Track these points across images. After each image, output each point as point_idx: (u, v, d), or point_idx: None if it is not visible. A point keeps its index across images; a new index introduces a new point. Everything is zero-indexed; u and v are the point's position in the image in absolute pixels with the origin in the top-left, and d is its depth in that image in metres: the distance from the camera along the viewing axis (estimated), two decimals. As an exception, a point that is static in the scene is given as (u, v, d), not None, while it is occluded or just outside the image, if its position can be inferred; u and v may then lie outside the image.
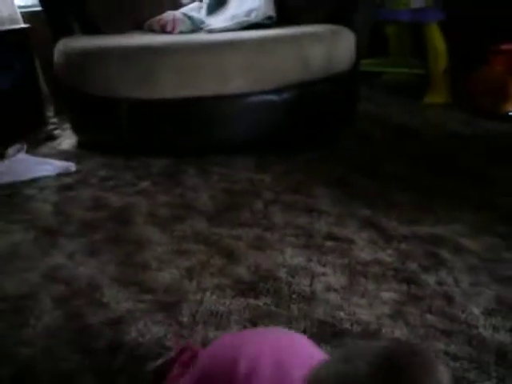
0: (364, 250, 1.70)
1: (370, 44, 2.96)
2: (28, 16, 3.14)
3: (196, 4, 3.24)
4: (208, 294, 1.49)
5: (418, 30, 3.43)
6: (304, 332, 1.32)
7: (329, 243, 1.74)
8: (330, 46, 2.57)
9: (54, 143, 2.82)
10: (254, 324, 1.36)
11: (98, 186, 2.28)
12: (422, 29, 3.35)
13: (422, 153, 2.54)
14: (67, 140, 2.84)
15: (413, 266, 1.61)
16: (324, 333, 1.32)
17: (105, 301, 1.48)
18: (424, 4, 3.37)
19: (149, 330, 1.36)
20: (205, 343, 1.28)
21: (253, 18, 2.89)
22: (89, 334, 1.35)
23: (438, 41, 3.31)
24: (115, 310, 1.44)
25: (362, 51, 2.78)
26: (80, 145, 2.75)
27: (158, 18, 3.05)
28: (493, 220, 1.86)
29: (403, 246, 1.71)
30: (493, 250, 1.68)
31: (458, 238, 1.75)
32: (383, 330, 1.32)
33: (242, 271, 1.60)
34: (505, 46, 2.88)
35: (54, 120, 3.14)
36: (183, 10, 3.16)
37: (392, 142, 2.71)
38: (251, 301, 1.45)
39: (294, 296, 1.47)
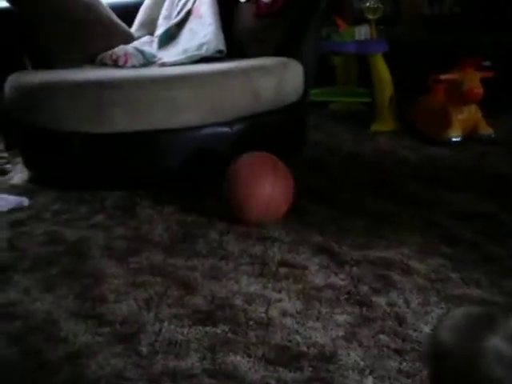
0: (317, 275, 1.74)
1: (318, 74, 3.05)
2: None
3: (147, 38, 3.28)
4: (166, 324, 1.51)
5: (364, 61, 3.54)
6: (262, 357, 1.35)
7: (283, 270, 1.78)
8: (279, 78, 2.65)
9: (6, 178, 2.80)
10: (213, 352, 1.38)
11: (51, 220, 2.27)
12: (368, 59, 3.47)
13: (372, 179, 2.62)
14: (19, 174, 2.81)
15: (364, 288, 1.66)
16: (282, 357, 1.36)
17: (62, 335, 1.48)
18: (369, 36, 3.50)
19: (108, 362, 1.36)
20: (165, 372, 1.30)
21: (203, 51, 2.95)
22: (47, 369, 1.35)
23: (382, 71, 3.42)
24: (73, 344, 1.45)
25: (310, 82, 2.87)
26: (32, 179, 2.73)
27: (110, 52, 3.07)
28: (438, 242, 1.94)
29: (355, 270, 1.76)
30: (440, 271, 1.75)
31: (407, 261, 1.81)
32: (338, 352, 1.37)
33: (198, 301, 1.62)
34: (444, 76, 3.00)
35: (5, 155, 3.10)
36: (135, 43, 3.19)
37: (342, 169, 2.78)
38: (209, 329, 1.48)
39: (250, 323, 1.50)
